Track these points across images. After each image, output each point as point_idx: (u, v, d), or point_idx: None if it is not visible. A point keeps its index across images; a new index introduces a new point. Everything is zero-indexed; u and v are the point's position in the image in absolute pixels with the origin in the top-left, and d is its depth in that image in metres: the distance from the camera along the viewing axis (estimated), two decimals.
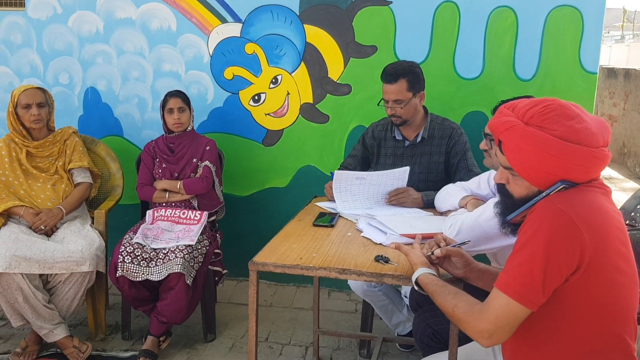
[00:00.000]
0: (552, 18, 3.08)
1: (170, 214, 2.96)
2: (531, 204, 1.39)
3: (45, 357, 2.70)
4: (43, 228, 2.77)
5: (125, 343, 2.88)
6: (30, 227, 2.78)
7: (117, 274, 2.64)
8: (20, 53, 3.59)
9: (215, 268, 2.91)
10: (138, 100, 3.55)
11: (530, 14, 3.10)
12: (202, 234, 2.84)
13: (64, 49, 3.55)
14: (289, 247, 2.01)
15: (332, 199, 2.60)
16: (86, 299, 2.81)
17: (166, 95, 3.03)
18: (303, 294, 3.47)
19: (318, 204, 2.59)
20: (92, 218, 3.02)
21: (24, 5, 3.54)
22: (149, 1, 3.41)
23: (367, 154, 2.87)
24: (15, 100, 2.86)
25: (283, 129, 3.45)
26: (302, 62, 3.34)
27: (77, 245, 2.69)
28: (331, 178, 2.63)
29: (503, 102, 2.00)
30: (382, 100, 2.65)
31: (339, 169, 2.78)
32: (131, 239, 2.75)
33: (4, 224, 2.77)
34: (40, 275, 2.66)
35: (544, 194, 1.37)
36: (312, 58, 3.33)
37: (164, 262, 2.65)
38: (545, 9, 3.08)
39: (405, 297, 2.72)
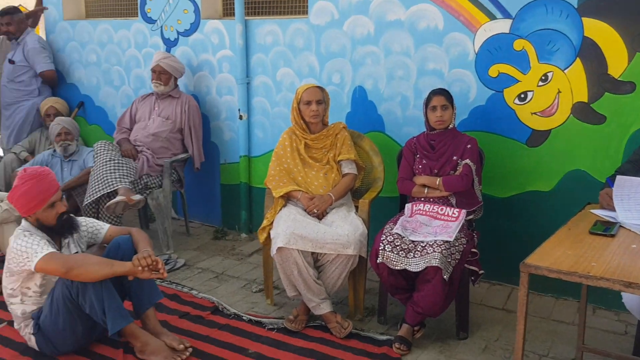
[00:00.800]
0: None
1: (429, 209, 3.02)
2: None
3: (311, 328, 3.00)
4: (316, 212, 3.08)
5: (380, 327, 3.03)
6: (304, 210, 3.12)
7: (378, 260, 2.79)
8: (301, 56, 4.03)
9: (471, 267, 2.89)
10: (401, 98, 3.69)
11: None
12: (459, 231, 2.84)
13: (338, 51, 3.87)
14: (563, 253, 1.90)
15: (607, 208, 2.37)
16: (348, 280, 3.04)
17: (430, 93, 3.11)
18: (562, 307, 3.22)
19: (593, 211, 2.38)
20: (356, 207, 3.25)
21: (307, 13, 3.96)
22: (418, 2, 3.51)
23: None
24: (299, 97, 3.22)
25: (550, 130, 3.24)
26: (578, 58, 3.09)
27: (344, 229, 2.93)
28: (608, 185, 2.41)
29: None
30: None
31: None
32: (391, 229, 2.88)
33: (284, 205, 3.16)
34: (312, 254, 2.95)
35: None
36: (589, 53, 3.06)
37: (422, 255, 2.72)
38: None
39: None
